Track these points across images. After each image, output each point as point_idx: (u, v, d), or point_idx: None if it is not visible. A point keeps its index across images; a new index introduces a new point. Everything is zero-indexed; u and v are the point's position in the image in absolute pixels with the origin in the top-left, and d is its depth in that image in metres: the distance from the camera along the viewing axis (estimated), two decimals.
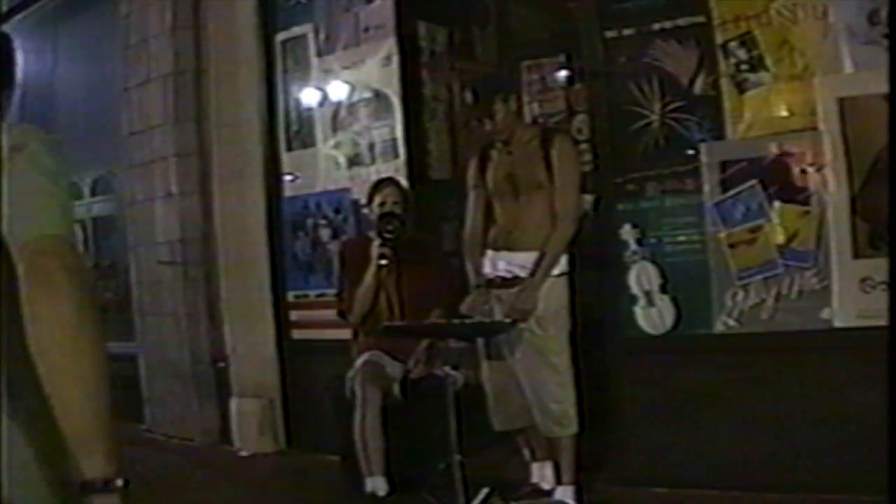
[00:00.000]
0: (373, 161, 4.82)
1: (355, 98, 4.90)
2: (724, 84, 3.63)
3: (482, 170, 3.68)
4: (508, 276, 3.54)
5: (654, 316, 3.80)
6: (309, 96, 5.12)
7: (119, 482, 1.17)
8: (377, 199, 4.08)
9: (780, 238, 3.54)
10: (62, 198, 1.31)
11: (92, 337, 1.18)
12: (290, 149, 5.21)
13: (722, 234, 3.66)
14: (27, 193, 1.25)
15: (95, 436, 1.17)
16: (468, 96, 3.63)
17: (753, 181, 3.58)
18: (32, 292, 1.17)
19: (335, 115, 4.99)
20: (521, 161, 3.55)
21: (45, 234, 1.22)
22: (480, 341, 3.60)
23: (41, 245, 1.21)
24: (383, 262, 3.91)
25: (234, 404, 5.23)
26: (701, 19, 3.67)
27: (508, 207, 3.59)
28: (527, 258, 3.50)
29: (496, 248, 3.60)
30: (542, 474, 3.69)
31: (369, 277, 3.99)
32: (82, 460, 1.17)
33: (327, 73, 5.02)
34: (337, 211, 4.98)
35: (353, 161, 4.91)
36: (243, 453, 5.10)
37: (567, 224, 3.49)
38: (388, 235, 3.90)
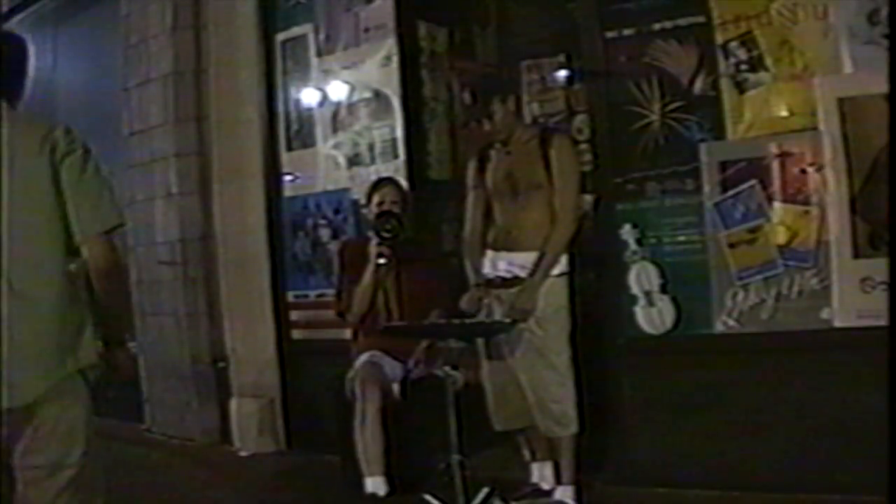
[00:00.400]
0: (373, 161, 4.82)
1: (355, 98, 4.90)
2: (724, 84, 3.63)
3: (481, 170, 3.68)
4: (508, 276, 3.54)
5: (654, 316, 3.80)
6: (309, 96, 5.12)
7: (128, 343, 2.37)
8: (376, 199, 4.08)
9: (781, 238, 3.54)
10: (109, 193, 2.21)
11: (126, 290, 2.48)
12: (290, 149, 5.21)
13: (722, 234, 3.65)
14: (82, 194, 2.14)
15: (118, 327, 2.35)
16: (467, 97, 3.63)
17: (753, 181, 3.58)
18: (95, 274, 2.17)
19: (335, 116, 4.98)
20: (520, 161, 3.54)
21: (98, 233, 2.18)
22: (480, 341, 3.60)
23: (96, 247, 2.18)
24: (382, 261, 3.91)
25: (234, 404, 5.23)
26: (701, 19, 3.67)
27: (508, 208, 3.59)
28: (526, 258, 3.50)
29: (496, 249, 3.60)
30: (542, 474, 3.69)
31: (368, 277, 3.98)
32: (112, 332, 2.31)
33: (327, 73, 5.02)
34: (337, 211, 4.98)
35: (353, 161, 4.91)
36: (243, 453, 5.09)
37: (567, 224, 3.48)
38: (386, 234, 3.89)
